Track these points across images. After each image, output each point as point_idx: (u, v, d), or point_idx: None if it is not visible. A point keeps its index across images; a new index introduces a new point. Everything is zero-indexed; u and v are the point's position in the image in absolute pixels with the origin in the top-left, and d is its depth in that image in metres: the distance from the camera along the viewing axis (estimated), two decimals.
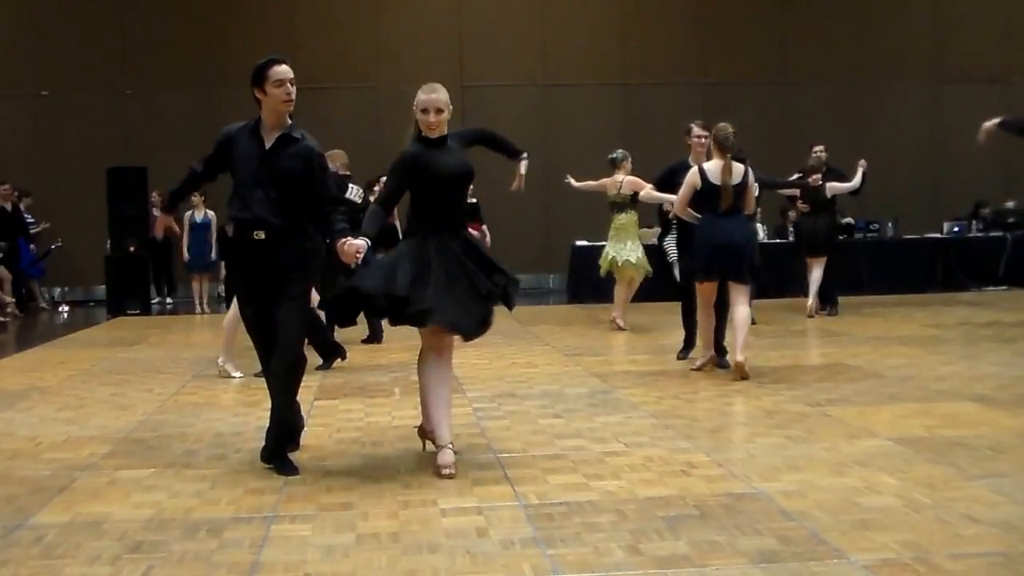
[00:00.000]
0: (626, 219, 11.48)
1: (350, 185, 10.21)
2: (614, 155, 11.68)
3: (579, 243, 15.87)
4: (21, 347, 11.50)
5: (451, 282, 5.23)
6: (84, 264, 17.07)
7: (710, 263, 8.02)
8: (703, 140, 8.91)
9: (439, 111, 5.35)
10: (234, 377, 8.48)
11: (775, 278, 15.30)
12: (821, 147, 12.88)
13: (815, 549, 4.03)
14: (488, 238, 14.43)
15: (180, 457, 5.85)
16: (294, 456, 5.57)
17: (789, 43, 18.50)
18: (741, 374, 7.94)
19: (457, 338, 5.45)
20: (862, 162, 12.73)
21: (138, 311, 15.19)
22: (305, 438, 6.21)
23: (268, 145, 5.34)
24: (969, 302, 14.13)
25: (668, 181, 9.15)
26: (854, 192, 12.89)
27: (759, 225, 15.99)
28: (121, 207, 15.50)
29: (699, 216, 8.22)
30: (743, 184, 8.09)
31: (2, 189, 15.39)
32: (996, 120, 9.62)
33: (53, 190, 16.93)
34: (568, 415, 6.82)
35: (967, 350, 9.44)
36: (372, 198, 12.60)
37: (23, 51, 17.43)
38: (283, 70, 5.26)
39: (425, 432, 5.66)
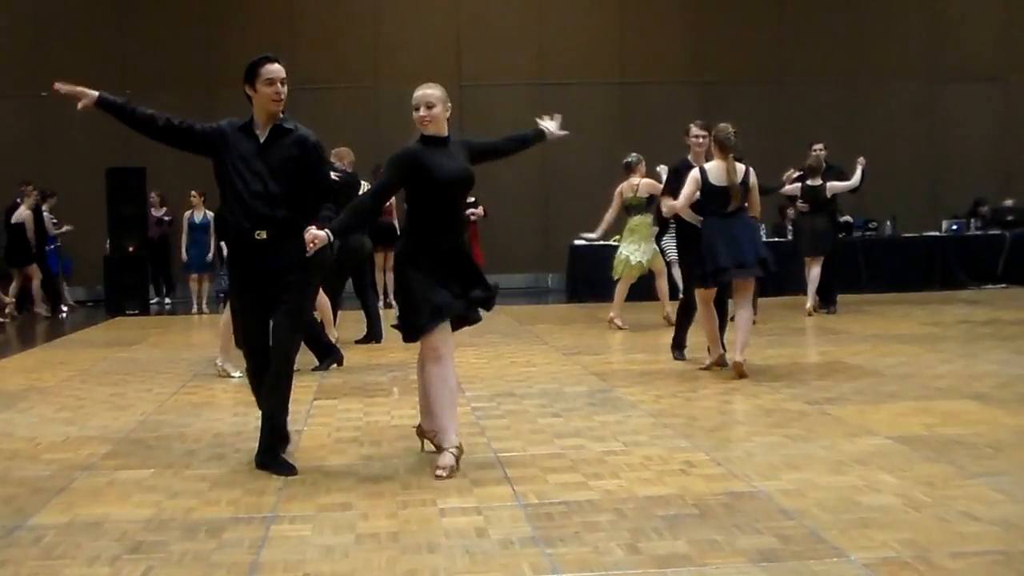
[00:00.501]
0: (640, 221, 11.54)
1: (362, 183, 10.24)
2: (629, 159, 11.72)
3: (577, 243, 15.85)
4: (20, 347, 11.49)
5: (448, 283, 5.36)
6: (83, 264, 17.05)
7: (718, 263, 7.93)
8: (701, 140, 8.93)
9: (429, 106, 5.29)
10: (233, 376, 8.48)
11: (773, 277, 15.35)
12: (821, 146, 12.89)
13: (814, 548, 4.03)
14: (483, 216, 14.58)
15: (179, 457, 5.85)
16: (292, 456, 5.57)
17: (786, 42, 18.50)
18: (739, 373, 7.96)
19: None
20: (861, 160, 12.74)
21: (137, 311, 15.19)
22: (304, 438, 6.22)
23: (263, 139, 5.31)
24: (968, 300, 14.14)
25: (676, 183, 8.87)
26: (853, 190, 12.89)
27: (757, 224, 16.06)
28: (120, 207, 15.51)
29: (700, 218, 8.24)
30: (745, 184, 8.10)
31: (28, 192, 15.32)
32: None
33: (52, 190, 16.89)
34: (567, 414, 6.82)
35: (966, 348, 9.44)
36: None
37: (23, 51, 17.41)
38: (275, 69, 5.23)
39: (424, 432, 5.64)
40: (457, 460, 5.30)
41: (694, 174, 8.20)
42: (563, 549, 4.10)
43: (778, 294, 14.64)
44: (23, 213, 15.07)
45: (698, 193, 8.18)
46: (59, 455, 5.95)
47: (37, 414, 7.29)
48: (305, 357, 8.75)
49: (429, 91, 5.33)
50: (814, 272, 12.58)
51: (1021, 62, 18.92)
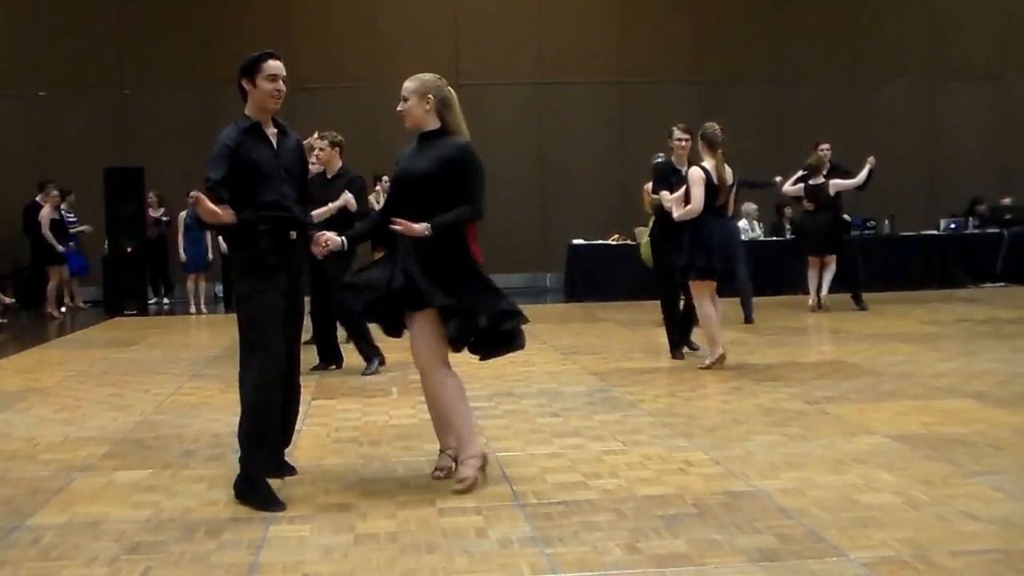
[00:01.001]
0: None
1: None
2: (657, 159, 11.72)
3: (576, 242, 15.87)
4: (18, 348, 11.47)
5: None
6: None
7: (714, 261, 8.19)
8: (684, 143, 9.08)
9: (403, 99, 5.05)
10: None
11: (772, 276, 15.35)
12: (827, 145, 12.92)
13: (814, 547, 4.03)
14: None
15: (178, 458, 5.85)
16: (291, 457, 5.56)
17: (785, 40, 18.50)
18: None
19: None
20: (871, 159, 12.70)
21: (135, 311, 15.17)
22: (303, 438, 6.21)
23: (275, 143, 5.15)
24: (966, 299, 14.14)
25: (663, 182, 9.19)
26: (860, 188, 12.83)
27: (756, 223, 16.08)
28: (119, 207, 15.47)
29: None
30: (733, 183, 8.38)
31: (51, 197, 15.28)
32: None
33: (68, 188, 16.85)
34: (566, 414, 6.81)
35: (965, 347, 9.44)
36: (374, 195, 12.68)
37: (20, 51, 17.38)
38: (277, 65, 5.11)
39: (485, 461, 5.18)
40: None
41: (700, 174, 8.27)
42: (562, 549, 4.10)
43: (776, 293, 14.66)
44: (46, 212, 15.06)
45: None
46: (57, 455, 5.95)
47: (35, 414, 7.28)
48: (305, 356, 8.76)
49: (405, 83, 5.08)
50: (823, 272, 12.57)
51: (1019, 60, 18.93)
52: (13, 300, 15.12)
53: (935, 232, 16.70)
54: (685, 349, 9.31)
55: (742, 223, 15.80)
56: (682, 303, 9.22)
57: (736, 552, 3.99)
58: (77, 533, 4.46)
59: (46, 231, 15.02)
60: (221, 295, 16.11)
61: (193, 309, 15.07)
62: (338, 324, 9.07)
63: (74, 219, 16.07)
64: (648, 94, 17.78)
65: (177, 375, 8.96)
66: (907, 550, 3.96)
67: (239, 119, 5.11)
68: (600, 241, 15.87)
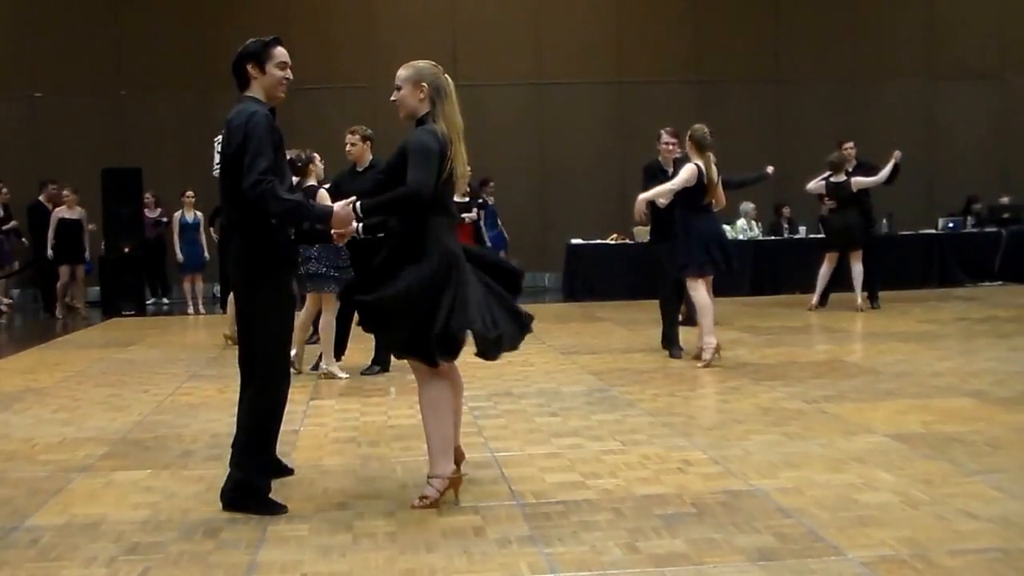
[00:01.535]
0: None
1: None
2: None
3: (574, 241, 15.87)
4: (16, 348, 11.47)
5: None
6: None
7: (713, 254, 8.53)
8: (671, 147, 9.36)
9: (396, 88, 4.80)
10: (341, 378, 8.48)
11: (770, 275, 15.37)
12: (851, 144, 12.93)
13: (812, 546, 4.03)
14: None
15: (177, 458, 5.84)
16: (289, 457, 5.56)
17: (783, 40, 18.49)
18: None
19: None
20: (896, 154, 12.67)
21: (133, 312, 15.15)
22: (301, 438, 6.21)
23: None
24: (965, 297, 14.14)
25: (652, 181, 9.38)
26: (888, 183, 12.75)
27: (754, 222, 16.08)
28: (116, 208, 15.41)
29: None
30: (717, 181, 8.70)
31: (68, 198, 15.18)
32: None
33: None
34: (565, 413, 6.81)
35: (963, 345, 9.45)
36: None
37: (16, 52, 17.35)
38: (286, 52, 4.88)
39: (456, 483, 4.84)
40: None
41: (693, 168, 8.55)
42: (561, 548, 4.09)
43: (775, 292, 14.68)
44: (77, 211, 15.05)
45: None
46: (56, 456, 5.94)
47: (34, 415, 7.27)
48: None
49: (399, 71, 4.81)
50: (855, 268, 12.56)
51: (1017, 60, 18.93)
52: (11, 301, 15.09)
53: (933, 231, 16.70)
54: (667, 352, 9.33)
55: (740, 222, 15.82)
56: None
57: (735, 551, 3.99)
58: (76, 534, 4.45)
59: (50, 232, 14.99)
60: (218, 295, 16.08)
61: (191, 310, 15.07)
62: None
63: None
64: (647, 94, 17.76)
65: (176, 375, 8.96)
66: (906, 549, 3.96)
67: (254, 100, 4.79)
68: (599, 241, 15.87)
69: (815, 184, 12.82)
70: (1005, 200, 17.33)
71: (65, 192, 15.24)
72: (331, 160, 9.52)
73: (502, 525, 4.41)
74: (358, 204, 4.69)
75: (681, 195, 8.62)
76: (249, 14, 17.33)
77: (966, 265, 16.17)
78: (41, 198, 15.56)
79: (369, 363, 8.80)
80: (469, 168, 4.89)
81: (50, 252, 15.01)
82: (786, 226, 16.68)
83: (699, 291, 8.62)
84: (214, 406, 7.43)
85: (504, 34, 17.93)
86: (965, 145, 18.60)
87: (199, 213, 15.22)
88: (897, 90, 18.62)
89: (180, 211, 15.36)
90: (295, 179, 8.67)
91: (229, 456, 4.87)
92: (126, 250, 15.43)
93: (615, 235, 15.71)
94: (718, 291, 8.94)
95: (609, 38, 18.24)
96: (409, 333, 4.60)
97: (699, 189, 8.57)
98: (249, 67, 4.81)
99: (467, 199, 14.51)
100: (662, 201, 8.90)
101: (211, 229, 14.60)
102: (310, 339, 9.28)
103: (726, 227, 14.31)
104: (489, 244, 15.93)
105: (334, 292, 8.56)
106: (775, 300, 14.11)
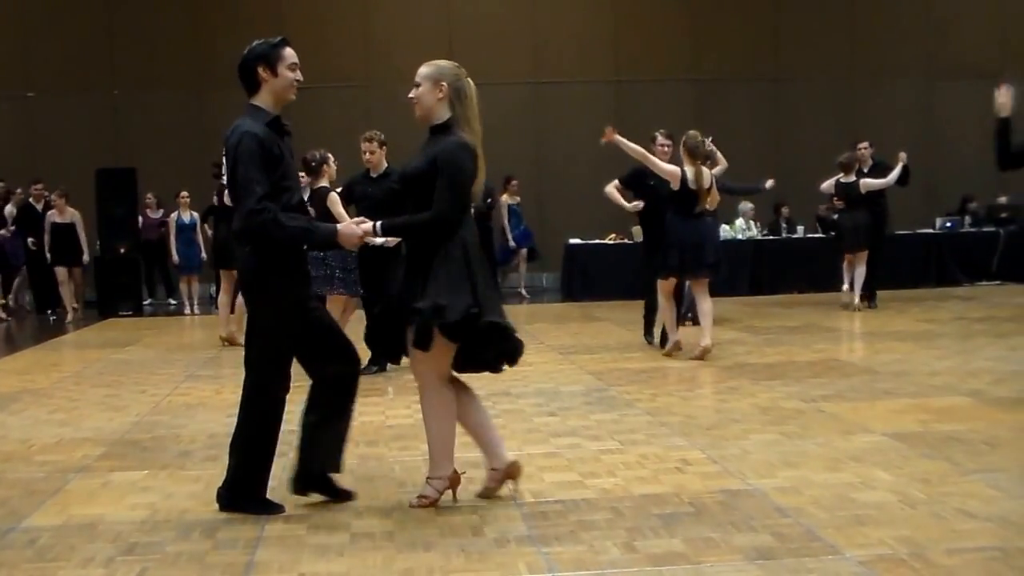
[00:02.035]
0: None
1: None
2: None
3: (572, 241, 15.87)
4: (12, 349, 11.46)
5: None
6: None
7: (681, 261, 8.82)
8: (666, 149, 9.50)
9: (415, 85, 4.70)
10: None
11: (769, 275, 15.37)
12: (865, 144, 12.95)
13: (810, 545, 4.02)
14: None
15: (174, 458, 5.84)
16: (286, 458, 5.55)
17: (782, 39, 18.49)
18: (706, 357, 8.81)
19: None
20: (902, 155, 12.67)
21: (131, 312, 15.12)
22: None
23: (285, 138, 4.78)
24: (963, 297, 14.15)
25: (635, 182, 9.82)
26: (901, 183, 12.75)
27: (752, 222, 16.07)
28: (111, 208, 15.33)
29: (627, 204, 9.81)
30: (710, 187, 8.89)
31: (58, 203, 14.91)
32: None
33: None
34: (563, 413, 6.81)
35: (961, 345, 9.45)
36: None
37: (8, 51, 17.30)
38: (295, 53, 4.78)
39: (455, 483, 4.81)
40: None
41: (678, 172, 8.87)
42: (559, 548, 4.09)
43: (773, 292, 14.69)
44: (69, 214, 14.86)
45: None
46: (53, 457, 5.93)
47: (30, 416, 7.26)
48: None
49: (420, 69, 4.71)
50: (858, 269, 12.55)
51: (1017, 59, 18.91)
52: (3, 302, 15.04)
53: (931, 231, 16.69)
54: (642, 340, 10.06)
55: (739, 222, 15.82)
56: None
57: (733, 551, 3.99)
58: (73, 534, 4.44)
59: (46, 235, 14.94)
60: (214, 295, 16.05)
61: (188, 310, 15.05)
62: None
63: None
64: (645, 93, 17.75)
65: (173, 376, 8.95)
66: (904, 548, 3.95)
67: (253, 112, 4.67)
68: (597, 240, 15.87)
69: (827, 184, 12.83)
70: (1003, 200, 17.32)
71: (53, 197, 15.01)
72: None
73: (500, 524, 4.40)
74: (378, 225, 4.60)
75: (672, 201, 8.92)
76: (243, 13, 17.30)
77: (964, 264, 16.17)
78: (30, 199, 15.52)
79: (366, 363, 8.77)
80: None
81: (48, 255, 14.87)
82: (784, 226, 16.67)
83: (663, 294, 9.12)
84: (211, 406, 7.42)
85: (501, 32, 17.91)
86: (964, 145, 18.54)
87: (195, 213, 15.20)
88: (896, 89, 18.61)
89: (176, 212, 15.33)
90: (307, 179, 8.65)
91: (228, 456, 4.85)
92: (122, 251, 15.38)
93: (613, 235, 15.70)
94: (715, 291, 9.13)
95: (607, 36, 18.23)
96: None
97: (687, 196, 8.80)
98: (260, 70, 4.67)
99: None
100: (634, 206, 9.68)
101: (204, 226, 14.62)
102: None
103: (725, 226, 14.37)
104: (513, 244, 16.08)
105: (340, 293, 8.56)
106: (774, 300, 14.11)
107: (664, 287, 9.12)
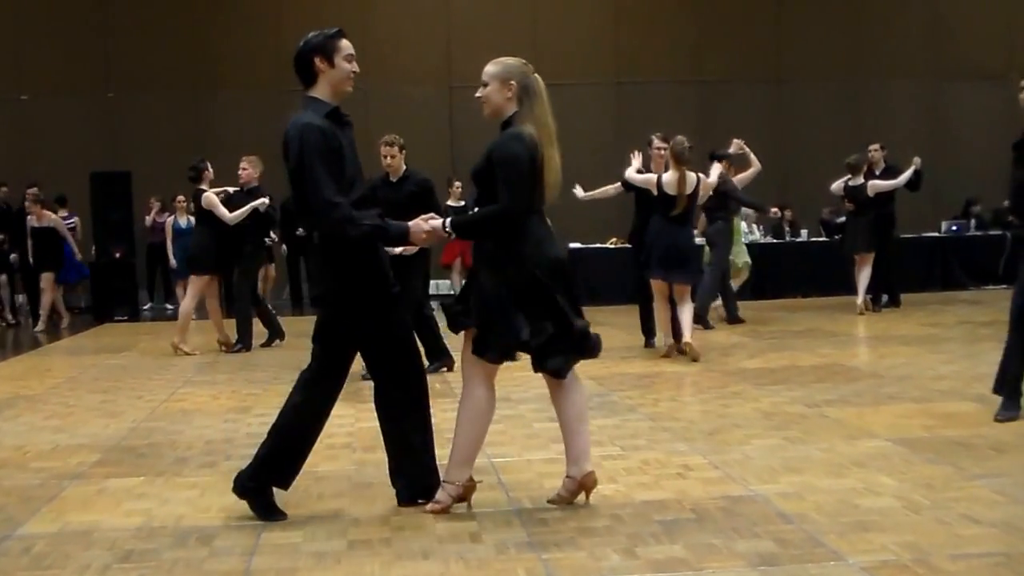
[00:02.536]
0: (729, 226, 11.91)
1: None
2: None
3: (573, 245, 15.81)
4: (6, 355, 11.42)
5: None
6: None
7: (653, 259, 9.07)
8: (662, 152, 9.58)
9: (483, 84, 4.67)
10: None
11: (772, 279, 15.32)
12: (877, 146, 12.94)
13: (813, 551, 3.98)
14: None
15: (170, 465, 5.79)
16: None
17: (785, 40, 18.46)
18: (692, 355, 8.98)
19: None
20: (916, 160, 12.65)
21: (127, 317, 15.03)
22: None
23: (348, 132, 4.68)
24: (968, 301, 14.10)
25: (633, 185, 9.78)
26: (912, 188, 12.71)
27: (754, 225, 16.03)
28: (106, 212, 15.22)
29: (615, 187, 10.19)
30: (694, 193, 9.08)
31: (34, 208, 14.57)
32: None
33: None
34: None
35: (966, 349, 9.40)
36: None
37: (2, 54, 17.29)
38: (351, 44, 4.74)
39: (471, 490, 4.74)
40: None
41: (652, 178, 9.21)
42: (559, 554, 4.04)
43: (776, 297, 14.64)
44: (48, 219, 14.61)
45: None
46: (48, 463, 5.89)
47: (25, 422, 7.22)
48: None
49: (487, 67, 4.67)
50: (863, 272, 12.50)
51: (1022, 60, 18.87)
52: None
53: (936, 234, 16.64)
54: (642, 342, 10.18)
55: (742, 225, 15.77)
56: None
57: (735, 557, 3.94)
58: (69, 542, 4.40)
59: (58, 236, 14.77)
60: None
61: None
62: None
63: (73, 227, 15.95)
64: (647, 95, 17.72)
65: (169, 381, 8.90)
66: (907, 554, 3.90)
67: (312, 103, 4.62)
68: (598, 245, 15.82)
69: (836, 185, 12.80)
70: (1008, 203, 17.25)
71: (27, 203, 14.66)
72: None
73: (499, 531, 4.36)
74: (447, 222, 4.58)
75: (656, 204, 9.14)
76: (240, 14, 17.27)
77: (969, 268, 16.12)
78: (26, 203, 15.45)
79: (366, 368, 8.71)
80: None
81: (31, 260, 14.59)
82: (788, 229, 16.62)
83: (657, 298, 9.35)
84: (208, 412, 7.37)
85: (500, 34, 17.83)
86: (970, 147, 18.53)
87: (192, 218, 15.13)
88: (901, 90, 18.58)
89: (173, 216, 15.24)
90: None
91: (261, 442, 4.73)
92: (117, 255, 15.27)
93: (615, 239, 15.64)
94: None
95: (608, 38, 18.21)
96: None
97: (665, 200, 9.01)
98: (317, 61, 4.62)
99: (463, 203, 14.47)
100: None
101: None
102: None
103: None
104: None
105: None
106: (777, 304, 14.05)
107: (656, 288, 9.26)
